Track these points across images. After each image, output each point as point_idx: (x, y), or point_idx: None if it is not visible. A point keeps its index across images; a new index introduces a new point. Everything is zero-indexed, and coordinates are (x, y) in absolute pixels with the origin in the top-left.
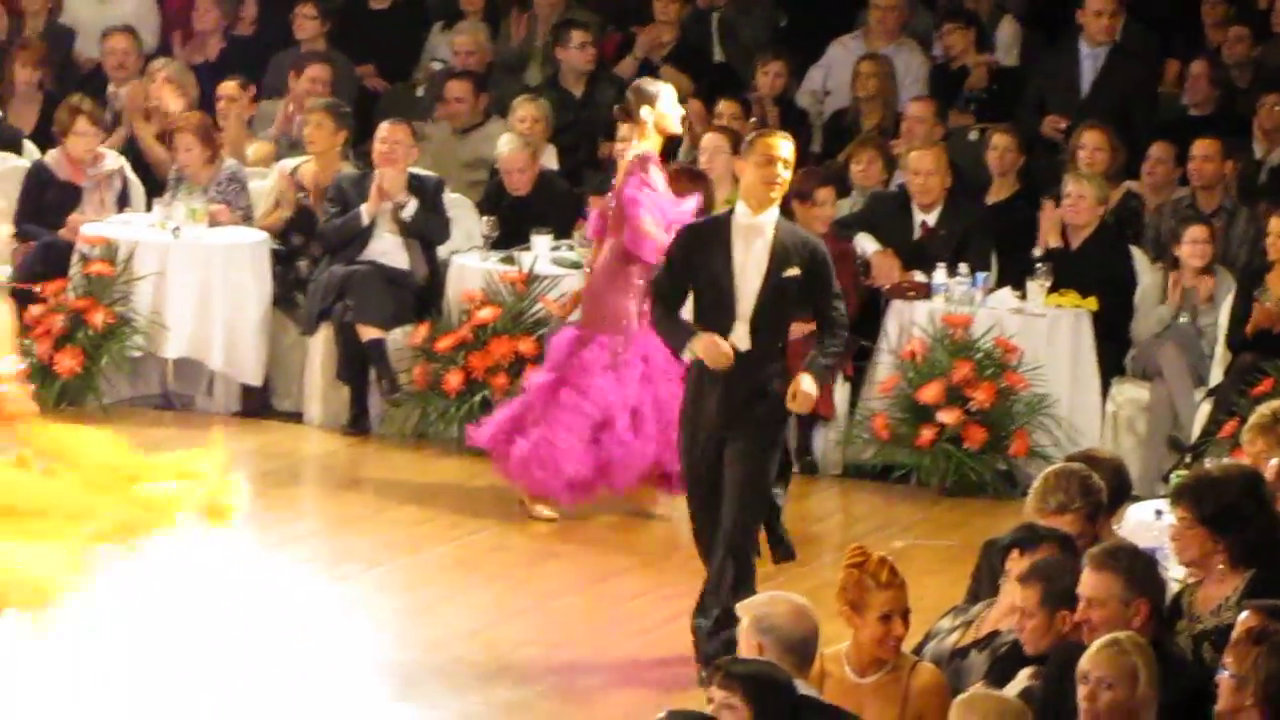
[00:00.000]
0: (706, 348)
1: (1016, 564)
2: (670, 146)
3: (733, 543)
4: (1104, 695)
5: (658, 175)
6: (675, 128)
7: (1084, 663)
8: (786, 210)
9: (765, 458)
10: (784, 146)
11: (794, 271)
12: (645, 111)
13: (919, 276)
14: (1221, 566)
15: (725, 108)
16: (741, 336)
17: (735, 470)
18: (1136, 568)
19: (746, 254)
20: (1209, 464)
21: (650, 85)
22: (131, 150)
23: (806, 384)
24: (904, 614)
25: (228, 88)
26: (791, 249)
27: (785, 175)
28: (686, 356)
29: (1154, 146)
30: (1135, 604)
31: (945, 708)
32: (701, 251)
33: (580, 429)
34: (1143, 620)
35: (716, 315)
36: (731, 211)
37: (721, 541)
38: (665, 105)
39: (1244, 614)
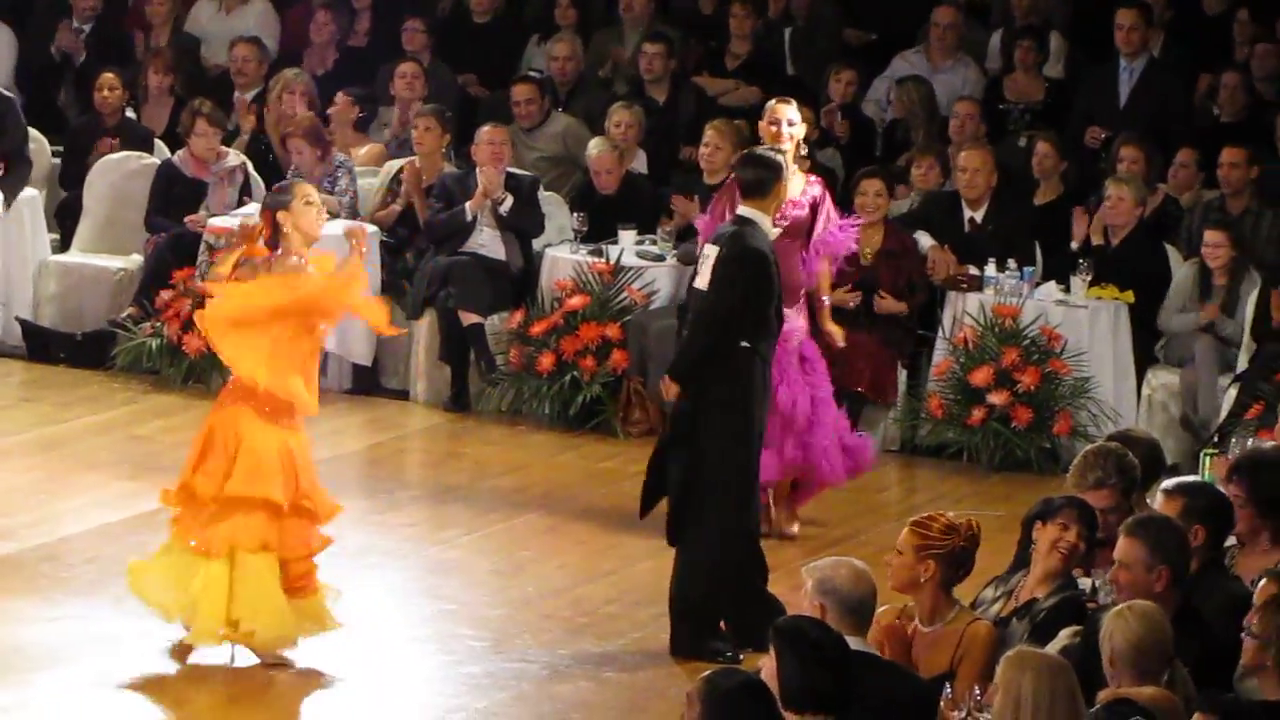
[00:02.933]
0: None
1: (1040, 532)
2: None
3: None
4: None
5: None
6: None
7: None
8: None
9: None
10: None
11: None
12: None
13: (971, 270)
14: (1266, 542)
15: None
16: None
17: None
18: (1163, 537)
19: None
20: (1265, 446)
21: None
22: (258, 151)
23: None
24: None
25: (338, 98)
26: None
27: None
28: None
29: (1180, 152)
30: (1158, 570)
31: (991, 655)
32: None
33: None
34: (1164, 585)
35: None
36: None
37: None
38: None
39: (1264, 581)
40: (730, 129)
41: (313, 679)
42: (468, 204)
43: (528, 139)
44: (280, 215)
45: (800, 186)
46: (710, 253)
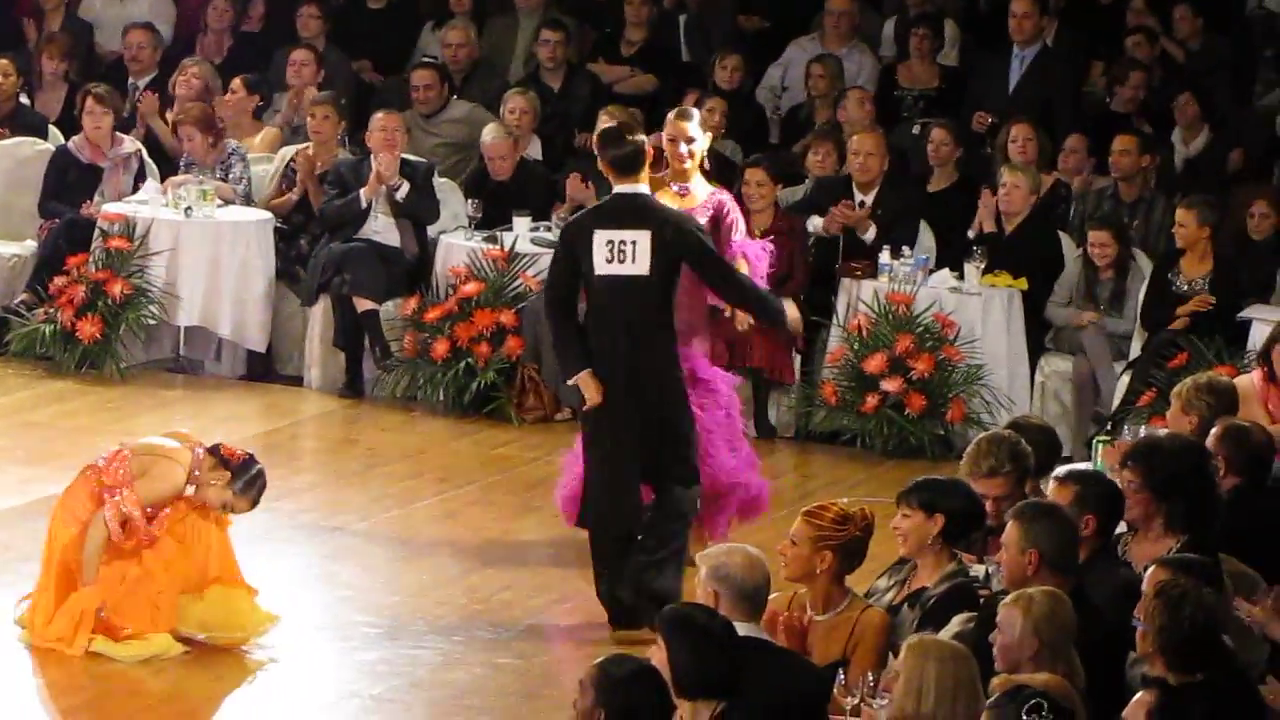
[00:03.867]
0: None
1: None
2: None
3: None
4: (997, 639)
5: None
6: None
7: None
8: None
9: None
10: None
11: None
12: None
13: (872, 229)
14: (1159, 528)
15: (688, 102)
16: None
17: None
18: (1036, 522)
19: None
20: (1159, 433)
21: None
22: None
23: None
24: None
25: (235, 85)
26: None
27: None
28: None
29: (1070, 138)
30: (1028, 554)
31: (882, 641)
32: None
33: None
34: (1034, 569)
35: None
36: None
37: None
38: None
39: (1151, 569)
40: (624, 115)
41: (204, 665)
42: (362, 190)
43: (426, 124)
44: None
45: (702, 199)
46: (637, 237)
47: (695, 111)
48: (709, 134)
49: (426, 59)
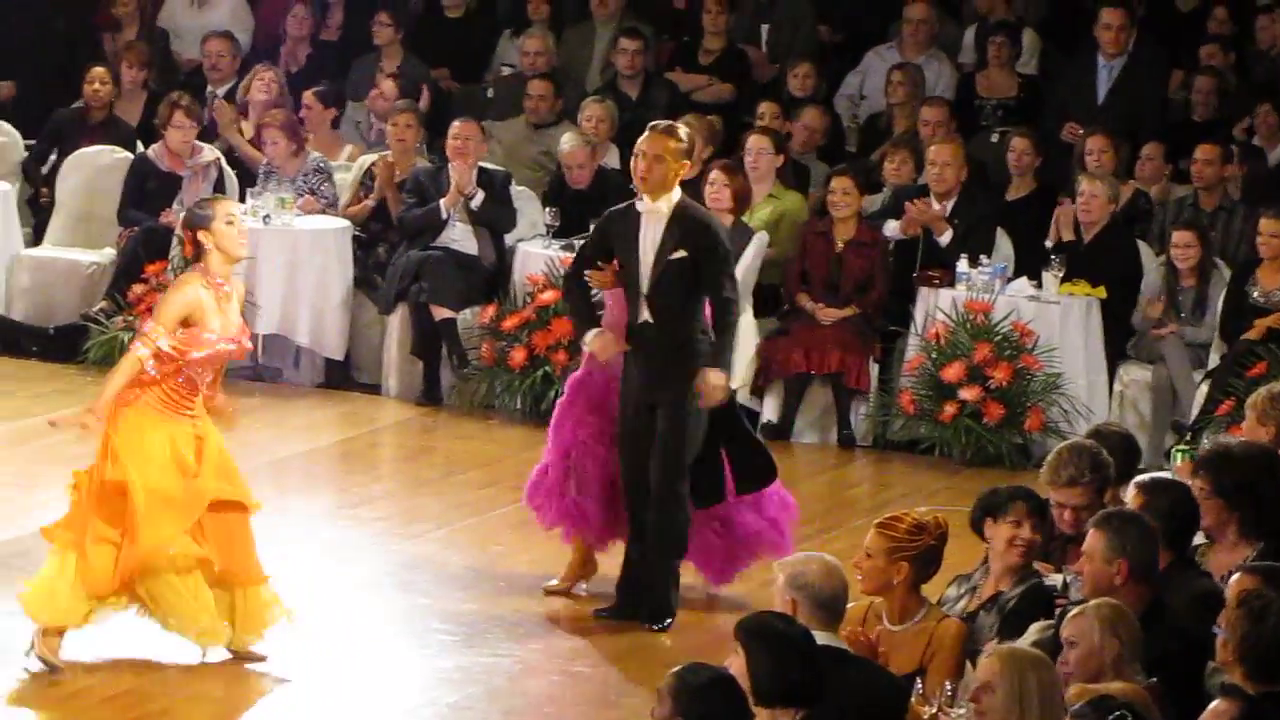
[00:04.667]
0: (601, 344)
1: (992, 529)
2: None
3: (661, 502)
4: (1070, 652)
5: None
6: None
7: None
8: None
9: (685, 424)
10: (657, 141)
11: (681, 254)
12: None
13: (948, 233)
14: (1233, 536)
15: (766, 108)
16: (644, 310)
17: (660, 436)
18: (1125, 531)
19: (646, 237)
20: (1231, 440)
21: None
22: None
23: (712, 377)
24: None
25: (307, 100)
26: (684, 232)
27: (652, 169)
28: (585, 346)
29: (1146, 146)
30: (1117, 563)
31: (960, 651)
32: (617, 234)
33: None
34: (1124, 578)
35: (629, 292)
36: (639, 198)
37: (652, 504)
38: None
39: (1235, 576)
40: (702, 125)
41: (282, 673)
42: (441, 200)
43: (534, 134)
44: (201, 234)
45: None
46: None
47: (680, 128)
48: (686, 162)
49: (506, 66)
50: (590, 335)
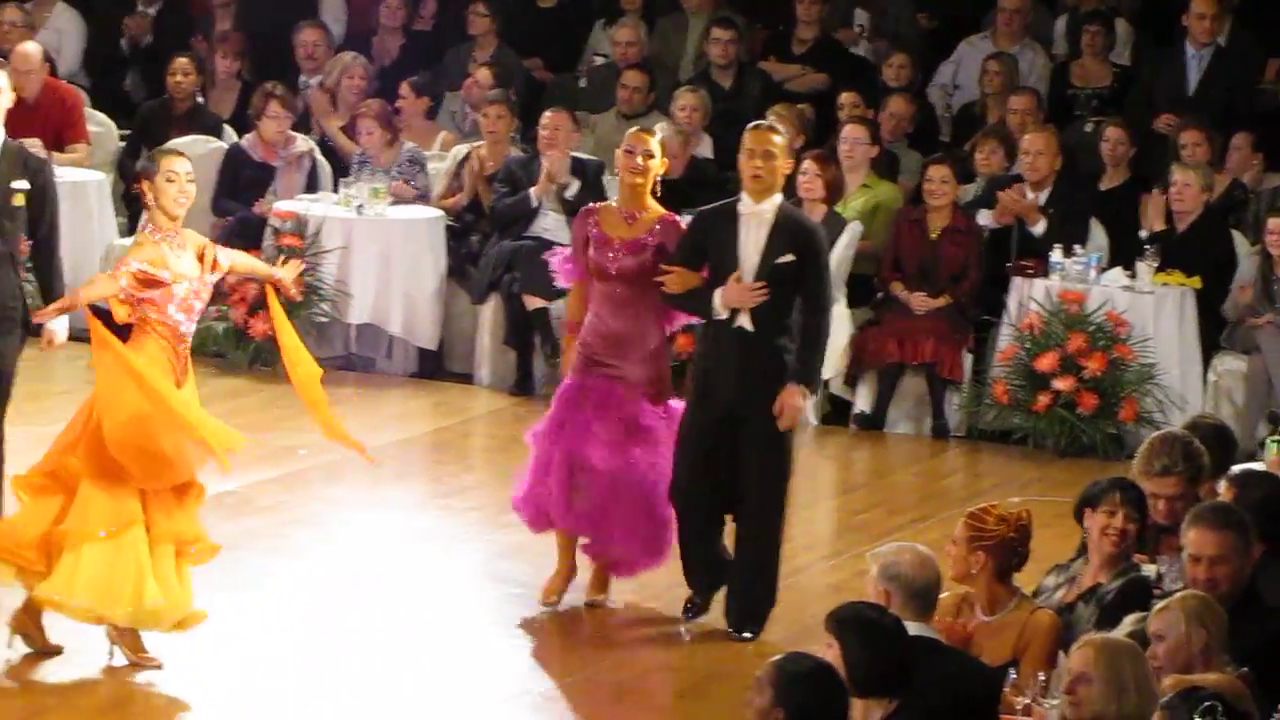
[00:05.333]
0: (732, 293)
1: (1089, 519)
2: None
3: (764, 531)
4: (1158, 646)
5: None
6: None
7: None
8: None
9: (785, 436)
10: (764, 138)
11: (789, 258)
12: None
13: (1041, 224)
14: None
15: (847, 98)
16: (744, 318)
17: (757, 452)
18: (1243, 524)
19: (749, 240)
20: None
21: None
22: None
23: (797, 398)
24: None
25: (403, 90)
26: (791, 236)
27: (766, 165)
28: (721, 312)
29: (1236, 136)
30: (1249, 553)
31: (1053, 642)
32: (714, 236)
33: None
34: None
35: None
36: (739, 199)
37: (749, 533)
38: None
39: None
40: (792, 114)
41: (378, 661)
42: (532, 190)
43: (627, 126)
44: (145, 184)
45: (647, 227)
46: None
47: (661, 128)
48: (666, 160)
49: (599, 56)
50: (716, 294)
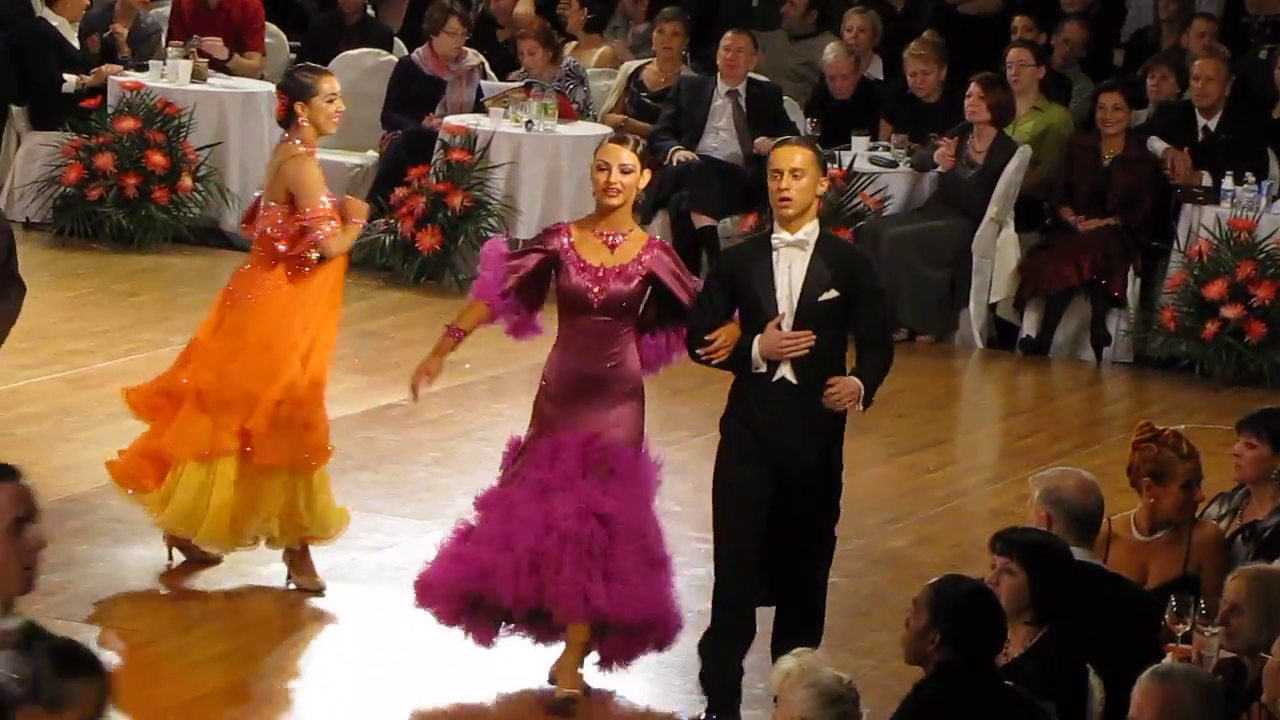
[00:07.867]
0: (771, 343)
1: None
2: None
3: (811, 596)
4: None
5: None
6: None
7: None
8: None
9: (834, 501)
10: (789, 154)
11: (833, 294)
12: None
13: (1206, 179)
14: None
15: (1019, 21)
16: (786, 369)
17: (804, 516)
18: None
19: (784, 276)
20: None
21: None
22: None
23: (854, 385)
24: (1200, 481)
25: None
26: (834, 268)
27: (795, 185)
28: (759, 365)
29: None
30: None
31: (1223, 560)
32: (744, 275)
33: None
34: None
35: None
36: (771, 230)
37: (794, 595)
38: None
39: None
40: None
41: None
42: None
43: (792, 46)
44: (298, 106)
45: (634, 253)
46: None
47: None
48: (647, 171)
49: None
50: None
